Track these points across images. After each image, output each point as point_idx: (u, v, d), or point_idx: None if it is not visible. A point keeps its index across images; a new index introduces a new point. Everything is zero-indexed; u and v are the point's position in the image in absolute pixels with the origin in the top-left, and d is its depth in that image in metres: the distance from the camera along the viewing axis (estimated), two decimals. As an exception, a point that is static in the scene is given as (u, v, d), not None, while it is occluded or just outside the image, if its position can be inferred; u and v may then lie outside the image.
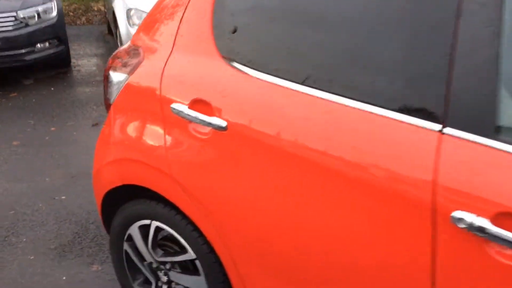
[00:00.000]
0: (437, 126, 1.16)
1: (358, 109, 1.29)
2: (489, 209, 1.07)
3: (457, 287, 1.16)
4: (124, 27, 5.31)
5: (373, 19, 1.29)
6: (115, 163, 1.90)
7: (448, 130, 1.15)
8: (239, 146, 1.52)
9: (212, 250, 1.74)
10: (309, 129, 1.37)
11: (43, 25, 5.56)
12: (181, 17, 1.70)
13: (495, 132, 1.10)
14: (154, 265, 1.98)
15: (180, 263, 1.92)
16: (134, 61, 1.84)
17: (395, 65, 1.26)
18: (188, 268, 1.91)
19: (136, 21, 5.25)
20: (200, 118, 1.57)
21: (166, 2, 1.82)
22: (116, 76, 1.89)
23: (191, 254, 1.81)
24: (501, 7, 1.10)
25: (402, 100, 1.24)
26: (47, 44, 5.68)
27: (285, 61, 1.46)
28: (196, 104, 1.60)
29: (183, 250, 1.86)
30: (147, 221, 1.91)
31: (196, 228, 1.76)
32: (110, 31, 8.11)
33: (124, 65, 1.87)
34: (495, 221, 1.06)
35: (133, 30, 5.22)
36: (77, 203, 3.14)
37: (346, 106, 1.31)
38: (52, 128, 4.38)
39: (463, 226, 1.09)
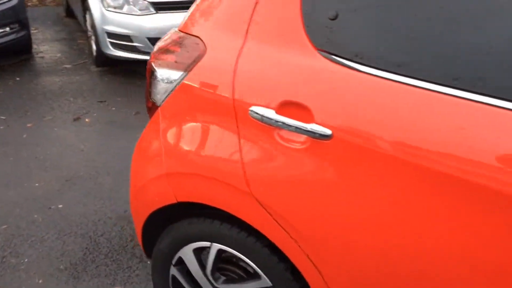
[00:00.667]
0: None
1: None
2: None
3: None
4: (97, 10, 4.84)
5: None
6: (168, 178, 1.58)
7: None
8: (347, 158, 1.25)
9: (296, 278, 1.48)
10: (451, 141, 1.11)
11: (2, 7, 5.01)
12: None
13: None
14: (213, 293, 1.70)
15: (246, 291, 1.64)
16: (190, 53, 1.52)
17: None
18: (256, 296, 1.64)
19: (111, 3, 4.80)
20: (294, 124, 1.29)
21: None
22: (165, 73, 1.56)
23: (266, 281, 1.54)
24: None
25: None
26: (7, 29, 5.13)
27: (413, 54, 1.19)
28: (286, 107, 1.31)
29: (252, 276, 1.58)
30: (206, 243, 1.62)
31: (274, 252, 1.49)
32: (68, 14, 7.53)
33: (176, 58, 1.55)
34: None
35: (108, 13, 4.77)
36: (77, 212, 2.77)
37: (503, 110, 1.06)
38: (28, 125, 3.91)
39: None
